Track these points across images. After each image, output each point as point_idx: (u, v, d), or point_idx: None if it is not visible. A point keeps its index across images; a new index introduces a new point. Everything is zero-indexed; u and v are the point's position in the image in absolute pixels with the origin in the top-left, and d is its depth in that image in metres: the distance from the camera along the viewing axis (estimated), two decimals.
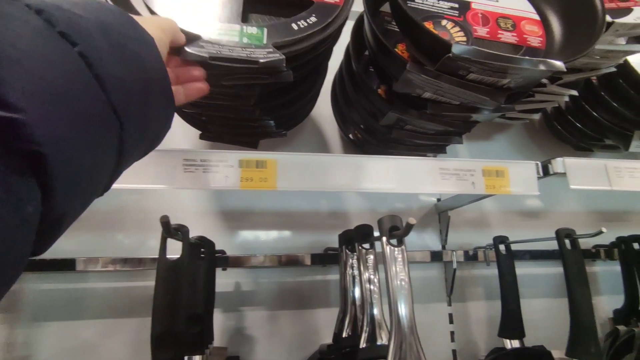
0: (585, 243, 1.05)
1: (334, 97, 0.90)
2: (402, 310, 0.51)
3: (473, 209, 0.99)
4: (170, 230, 0.51)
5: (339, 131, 0.96)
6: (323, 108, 0.92)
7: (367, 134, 0.83)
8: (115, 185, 0.51)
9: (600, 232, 0.66)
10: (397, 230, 0.53)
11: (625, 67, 0.81)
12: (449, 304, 0.94)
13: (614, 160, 0.64)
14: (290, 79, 0.49)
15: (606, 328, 0.97)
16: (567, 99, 0.89)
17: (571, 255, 0.69)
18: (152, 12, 0.46)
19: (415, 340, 0.51)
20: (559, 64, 0.49)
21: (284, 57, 0.44)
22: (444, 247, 0.97)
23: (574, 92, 0.82)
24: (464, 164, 0.60)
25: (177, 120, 0.71)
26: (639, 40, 0.72)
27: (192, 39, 0.44)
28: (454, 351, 0.91)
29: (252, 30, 0.47)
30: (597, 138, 0.97)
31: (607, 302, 1.02)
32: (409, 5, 0.61)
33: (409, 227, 0.49)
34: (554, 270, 1.01)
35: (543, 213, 1.07)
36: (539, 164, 0.63)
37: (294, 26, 0.49)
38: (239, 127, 0.68)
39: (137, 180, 0.51)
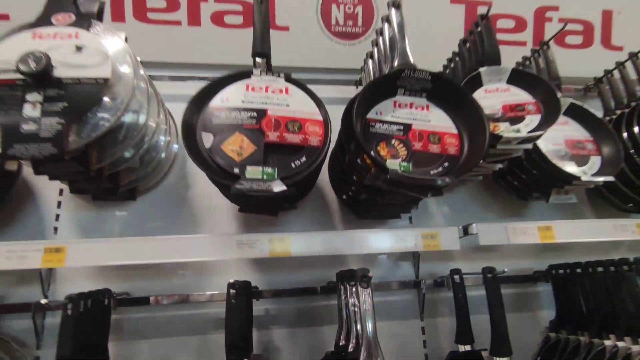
0: (528, 269, 1.36)
1: (330, 172, 1.25)
2: (369, 326, 0.85)
3: None
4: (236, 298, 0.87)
5: (335, 193, 1.31)
6: (323, 174, 1.27)
7: (353, 200, 1.18)
8: (187, 259, 0.86)
9: (504, 272, 0.98)
10: (365, 278, 0.87)
11: (535, 145, 1.14)
12: (422, 320, 1.27)
13: (512, 223, 0.97)
14: (295, 198, 0.84)
15: (543, 335, 1.28)
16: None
17: (492, 285, 1.01)
18: (214, 162, 0.82)
19: (377, 346, 0.84)
20: (450, 179, 0.83)
21: (286, 187, 0.80)
22: (416, 277, 1.30)
23: (500, 166, 1.15)
24: (409, 232, 0.94)
25: (222, 198, 1.08)
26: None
27: (236, 178, 0.80)
28: (425, 355, 1.24)
29: (268, 170, 0.83)
30: (529, 192, 1.29)
31: (546, 315, 1.32)
32: (371, 130, 0.96)
33: (369, 278, 0.83)
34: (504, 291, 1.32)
35: (497, 247, 1.39)
36: (461, 228, 0.96)
37: (292, 165, 0.85)
38: (263, 207, 1.04)
39: (205, 255, 0.87)
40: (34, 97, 0.81)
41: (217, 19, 1.35)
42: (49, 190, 1.20)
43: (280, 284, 1.22)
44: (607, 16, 1.58)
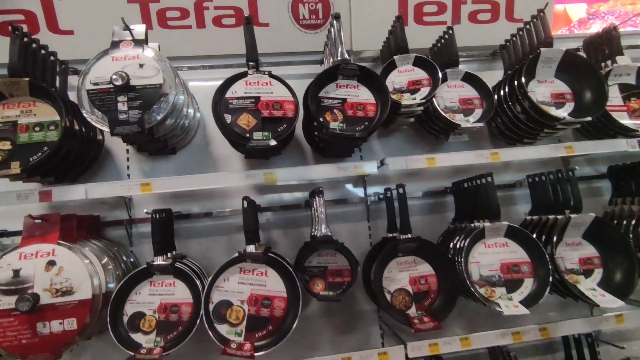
0: (442, 186, 2.02)
1: (303, 129, 1.86)
2: (323, 223, 1.52)
3: (381, 172, 1.96)
4: (247, 206, 1.52)
5: (307, 142, 1.93)
6: (299, 130, 1.89)
7: (317, 147, 1.80)
8: (217, 186, 1.52)
9: (404, 185, 1.63)
10: (320, 192, 1.53)
11: (433, 104, 1.73)
12: (368, 221, 1.96)
13: (410, 156, 1.59)
14: (280, 149, 1.46)
15: (446, 227, 1.97)
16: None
17: (401, 194, 1.67)
18: (234, 131, 1.45)
19: (327, 228, 1.52)
20: (364, 133, 1.44)
21: (276, 142, 1.43)
22: (365, 194, 1.97)
23: (412, 120, 1.75)
24: (347, 164, 1.57)
25: (231, 149, 1.71)
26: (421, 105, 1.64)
27: (247, 140, 1.42)
28: (370, 242, 1.94)
29: (265, 133, 1.45)
30: (437, 134, 1.91)
31: (450, 215, 2.00)
32: (322, 104, 1.55)
33: (322, 191, 1.49)
34: (420, 202, 2.00)
35: (422, 173, 2.03)
36: (378, 161, 1.59)
37: (279, 129, 1.47)
38: (259, 155, 1.68)
39: (229, 183, 1.52)
40: (122, 98, 1.41)
41: (217, 21, 1.87)
42: (120, 151, 1.84)
43: (275, 202, 1.90)
44: None
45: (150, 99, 1.41)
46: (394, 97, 1.66)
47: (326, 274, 1.58)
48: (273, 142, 1.44)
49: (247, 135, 1.45)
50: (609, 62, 1.93)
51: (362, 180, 1.99)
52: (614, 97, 1.88)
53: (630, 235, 1.76)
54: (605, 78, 1.89)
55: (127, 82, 1.39)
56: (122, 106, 1.41)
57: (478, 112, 1.79)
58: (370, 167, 1.58)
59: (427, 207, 2.05)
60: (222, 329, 1.40)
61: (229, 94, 1.50)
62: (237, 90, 1.51)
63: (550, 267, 1.56)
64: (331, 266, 1.59)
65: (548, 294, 1.80)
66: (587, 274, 1.66)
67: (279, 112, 1.49)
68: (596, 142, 1.69)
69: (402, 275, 1.66)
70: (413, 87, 1.67)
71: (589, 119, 1.62)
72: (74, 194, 1.42)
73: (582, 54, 2.10)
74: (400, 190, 1.68)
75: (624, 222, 1.83)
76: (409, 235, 1.65)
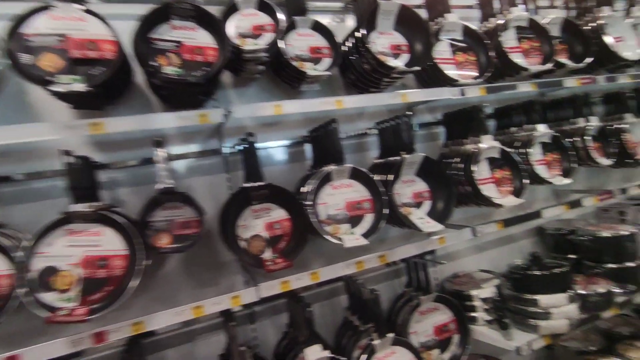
0: (298, 136, 2.09)
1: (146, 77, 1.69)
2: (165, 175, 1.45)
3: (234, 123, 1.92)
4: (72, 160, 1.35)
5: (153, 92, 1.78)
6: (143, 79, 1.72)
7: (163, 97, 1.67)
8: (25, 141, 1.31)
9: (253, 134, 1.63)
10: (160, 142, 1.44)
11: (283, 52, 1.73)
12: (227, 173, 1.94)
13: (257, 104, 1.58)
14: (110, 97, 1.31)
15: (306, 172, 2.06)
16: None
17: (249, 143, 1.66)
18: (38, 75, 1.24)
19: (172, 183, 1.45)
20: (197, 79, 1.37)
21: (90, 88, 1.27)
22: (220, 145, 1.92)
23: (263, 67, 1.73)
24: (189, 112, 1.48)
25: (58, 101, 1.49)
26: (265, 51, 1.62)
27: (48, 83, 1.23)
28: (230, 193, 1.93)
29: (77, 77, 1.27)
30: (292, 83, 1.93)
31: (308, 163, 2.09)
32: (152, 46, 1.42)
33: (162, 142, 1.40)
34: (281, 151, 2.04)
35: (282, 122, 2.06)
36: (224, 109, 1.54)
37: (96, 73, 1.30)
38: (89, 105, 1.49)
39: (40, 134, 1.32)
40: None
41: None
42: None
43: (122, 159, 1.74)
44: None
45: None
46: (238, 41, 1.60)
47: (172, 227, 1.54)
48: (81, 87, 1.27)
49: (51, 78, 1.25)
50: (440, 19, 2.14)
51: (217, 132, 1.94)
52: (444, 50, 2.12)
53: (453, 172, 2.07)
54: (438, 33, 2.11)
55: None
56: None
57: (327, 61, 1.85)
58: (215, 116, 1.52)
59: (288, 155, 2.10)
60: (48, 297, 1.27)
61: (28, 30, 1.27)
62: (39, 26, 1.28)
63: (386, 201, 1.75)
64: (178, 219, 1.55)
65: (394, 228, 2.05)
66: (419, 205, 1.92)
67: (94, 53, 1.32)
68: (426, 90, 1.90)
69: (257, 222, 1.70)
70: (257, 32, 1.63)
71: (418, 68, 1.80)
72: None
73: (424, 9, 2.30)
74: (250, 139, 1.68)
75: (451, 160, 2.14)
76: (261, 183, 1.68)
